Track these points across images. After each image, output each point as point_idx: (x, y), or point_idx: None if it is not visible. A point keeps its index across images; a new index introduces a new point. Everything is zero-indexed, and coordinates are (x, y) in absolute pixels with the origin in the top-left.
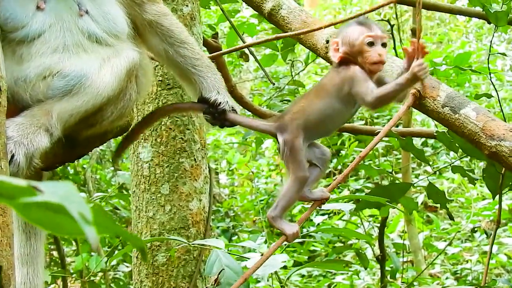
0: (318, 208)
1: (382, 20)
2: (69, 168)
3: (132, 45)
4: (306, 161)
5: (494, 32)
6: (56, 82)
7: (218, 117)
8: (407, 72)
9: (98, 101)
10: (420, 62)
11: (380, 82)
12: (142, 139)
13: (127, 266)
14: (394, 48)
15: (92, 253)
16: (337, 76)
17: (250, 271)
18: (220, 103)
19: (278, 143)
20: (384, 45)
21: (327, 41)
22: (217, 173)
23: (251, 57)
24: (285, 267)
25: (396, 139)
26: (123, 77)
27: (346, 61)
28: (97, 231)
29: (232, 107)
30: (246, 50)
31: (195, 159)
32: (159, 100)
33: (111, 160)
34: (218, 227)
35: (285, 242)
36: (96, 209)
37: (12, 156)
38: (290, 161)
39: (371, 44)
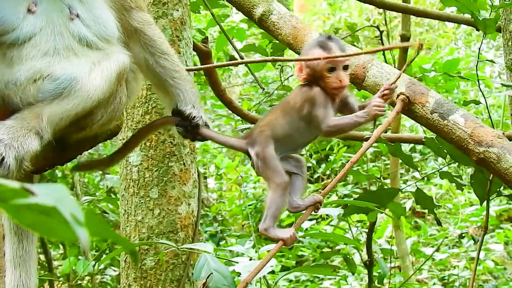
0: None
1: (371, 26)
2: (57, 171)
3: (122, 49)
4: (281, 167)
5: (482, 39)
6: (46, 85)
7: (190, 130)
8: (367, 109)
9: (88, 104)
10: (380, 102)
11: (345, 102)
12: None
13: (115, 270)
14: (383, 54)
15: (80, 257)
16: (300, 95)
17: (251, 275)
18: (195, 117)
19: (251, 158)
20: (346, 67)
21: None
22: (205, 178)
23: None
24: (273, 272)
25: (385, 144)
26: (114, 80)
27: (310, 81)
28: (89, 234)
29: (206, 123)
30: (236, 55)
31: (184, 163)
32: (148, 104)
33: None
34: (206, 232)
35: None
36: (88, 211)
37: (2, 159)
38: (266, 171)
39: (332, 69)
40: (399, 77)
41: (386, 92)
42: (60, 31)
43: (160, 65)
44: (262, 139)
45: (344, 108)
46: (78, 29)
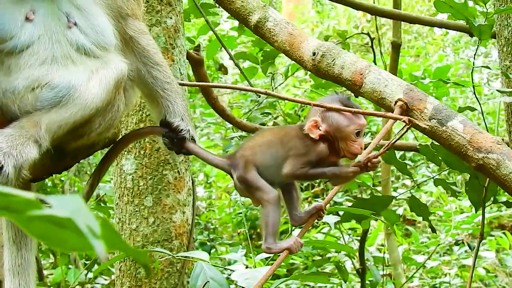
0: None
1: (362, 33)
2: (46, 180)
3: (120, 57)
4: (266, 184)
5: (477, 46)
6: (44, 93)
7: (176, 143)
8: (343, 169)
9: (86, 112)
10: (357, 169)
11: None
12: (125, 151)
13: (105, 279)
14: (374, 61)
15: (70, 266)
16: (301, 141)
17: (257, 285)
18: (182, 130)
19: (233, 179)
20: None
21: (314, 53)
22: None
23: (230, 70)
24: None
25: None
26: (112, 88)
27: (325, 138)
28: (105, 246)
29: (192, 137)
30: (226, 63)
31: (178, 171)
32: (142, 112)
33: (88, 173)
34: (196, 240)
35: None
36: (103, 223)
37: (1, 167)
38: (253, 193)
39: (358, 134)
40: (373, 147)
41: (373, 161)
42: (58, 39)
43: (151, 75)
44: (243, 164)
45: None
46: (76, 37)
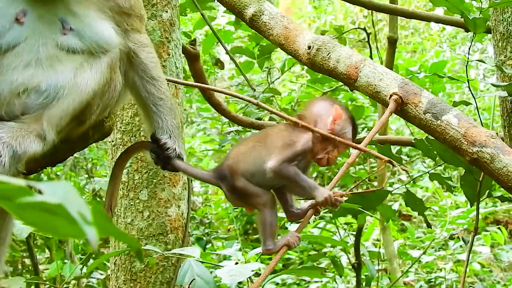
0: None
1: (358, 28)
2: (42, 175)
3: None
4: (257, 188)
5: (472, 41)
6: (32, 99)
7: (162, 159)
8: (322, 192)
9: (84, 97)
10: (330, 200)
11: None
12: (120, 144)
13: (101, 274)
14: (370, 56)
15: (66, 261)
16: (285, 133)
17: (257, 283)
18: (169, 148)
19: (223, 191)
20: None
21: (309, 47)
22: (191, 181)
23: (226, 65)
24: (259, 275)
25: (374, 146)
26: (105, 70)
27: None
28: (97, 232)
29: (179, 154)
30: (222, 58)
31: None
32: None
33: (84, 168)
34: (192, 235)
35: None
36: (94, 209)
37: None
38: (247, 199)
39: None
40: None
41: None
42: (45, 43)
43: (146, 89)
44: (229, 173)
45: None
46: (70, 41)
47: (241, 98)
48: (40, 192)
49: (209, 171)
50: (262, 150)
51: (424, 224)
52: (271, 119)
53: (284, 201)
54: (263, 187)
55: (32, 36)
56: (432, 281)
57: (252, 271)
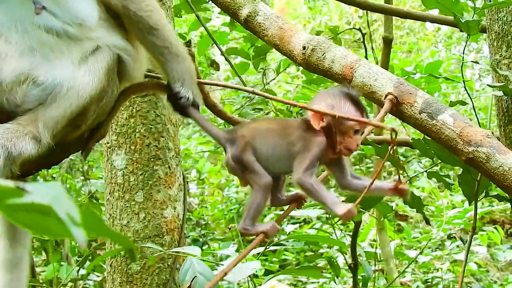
0: (290, 215)
1: (354, 28)
2: (38, 177)
3: (106, 33)
4: (262, 168)
5: (467, 41)
6: (31, 90)
7: (178, 107)
8: (342, 208)
9: (81, 102)
10: (353, 212)
11: (338, 161)
12: (116, 146)
13: (98, 276)
14: (366, 57)
15: (62, 263)
16: (303, 132)
17: (229, 267)
18: (181, 97)
19: (226, 154)
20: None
21: (304, 47)
22: (187, 183)
23: (221, 66)
24: (256, 276)
25: (370, 146)
26: (103, 76)
27: (325, 131)
28: (86, 233)
29: (194, 102)
30: (218, 59)
31: (169, 167)
32: (133, 107)
33: (81, 170)
34: (188, 236)
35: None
36: (84, 209)
37: None
38: (246, 173)
39: (357, 131)
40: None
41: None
42: (25, 28)
43: (148, 41)
44: (242, 143)
45: (336, 166)
46: (45, 21)
47: (237, 89)
48: (28, 193)
49: (222, 131)
50: (280, 139)
51: (421, 224)
52: None
53: (276, 185)
54: (267, 170)
55: (11, 22)
56: (429, 281)
57: (253, 269)
